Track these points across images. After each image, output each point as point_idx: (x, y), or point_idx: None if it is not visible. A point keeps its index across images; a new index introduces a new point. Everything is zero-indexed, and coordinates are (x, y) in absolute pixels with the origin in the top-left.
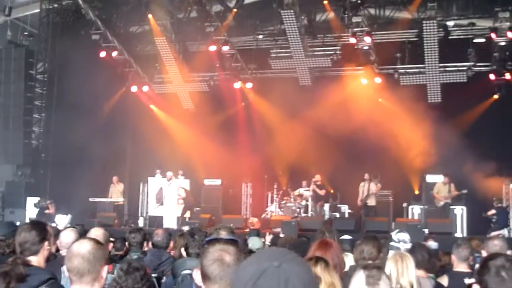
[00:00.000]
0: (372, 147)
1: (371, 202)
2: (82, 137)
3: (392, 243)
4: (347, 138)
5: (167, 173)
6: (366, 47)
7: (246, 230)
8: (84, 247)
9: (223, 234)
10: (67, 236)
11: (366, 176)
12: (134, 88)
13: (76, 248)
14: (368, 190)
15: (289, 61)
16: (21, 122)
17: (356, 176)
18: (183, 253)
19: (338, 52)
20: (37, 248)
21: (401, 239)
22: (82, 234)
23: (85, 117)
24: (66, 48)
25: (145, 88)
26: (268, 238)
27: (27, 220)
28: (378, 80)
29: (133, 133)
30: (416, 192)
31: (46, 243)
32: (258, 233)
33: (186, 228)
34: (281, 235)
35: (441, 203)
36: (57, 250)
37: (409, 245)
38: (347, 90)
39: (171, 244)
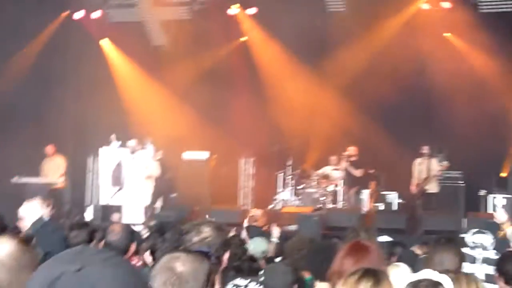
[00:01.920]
0: (433, 108)
1: (432, 188)
2: (0, 89)
3: (465, 250)
4: (395, 93)
5: (129, 142)
6: None
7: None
8: (3, 249)
9: (206, 233)
10: None
11: (426, 149)
12: (78, 14)
13: None
14: (428, 170)
15: None
16: None
17: (409, 150)
18: (148, 259)
19: None
20: None
21: (478, 244)
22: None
23: (4, 58)
24: None
25: (96, 15)
26: (275, 232)
27: None
28: (447, 4)
29: (76, 83)
30: (504, 174)
31: None
32: (263, 232)
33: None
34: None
35: None
36: None
37: (491, 253)
38: (396, 19)
39: (133, 246)
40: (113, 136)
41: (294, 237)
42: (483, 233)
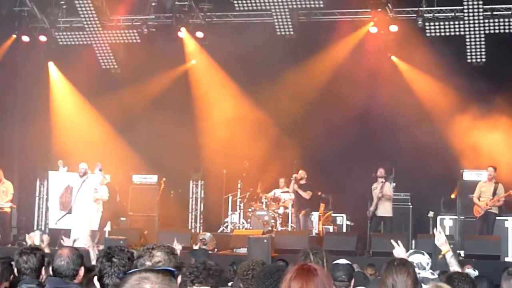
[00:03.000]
0: (381, 130)
1: (384, 211)
2: None
3: None
4: (344, 116)
5: (79, 165)
6: None
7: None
8: None
9: (159, 257)
10: None
11: (381, 172)
12: (26, 38)
13: None
14: (382, 192)
15: None
16: None
17: (359, 172)
18: (96, 284)
19: None
20: None
21: (415, 264)
22: None
23: None
24: None
25: (43, 38)
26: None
27: None
28: (394, 28)
29: (24, 107)
30: (452, 195)
31: None
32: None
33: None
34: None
35: (483, 212)
36: None
37: (427, 273)
38: (346, 43)
39: (81, 271)
40: (60, 162)
41: (246, 260)
42: (420, 253)
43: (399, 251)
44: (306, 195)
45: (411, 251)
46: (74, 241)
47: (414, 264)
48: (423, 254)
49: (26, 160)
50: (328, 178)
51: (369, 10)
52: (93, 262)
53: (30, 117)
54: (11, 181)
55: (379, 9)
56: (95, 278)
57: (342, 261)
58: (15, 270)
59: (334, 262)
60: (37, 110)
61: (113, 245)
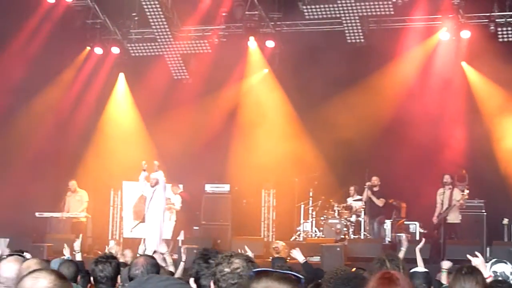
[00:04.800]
0: (454, 136)
1: (454, 217)
2: (26, 123)
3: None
4: (416, 122)
5: (151, 175)
6: None
7: (269, 259)
8: (41, 284)
9: (237, 264)
10: (8, 269)
11: (447, 178)
12: (99, 50)
13: (28, 285)
14: (450, 199)
15: (330, 6)
16: None
17: (430, 179)
18: (193, 286)
19: None
20: None
21: (498, 273)
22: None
23: (27, 93)
24: None
25: (116, 50)
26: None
27: None
28: (466, 34)
29: (98, 117)
30: None
31: None
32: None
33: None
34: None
35: None
36: None
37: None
38: (416, 50)
39: None
40: (144, 163)
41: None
42: (503, 262)
43: (477, 262)
44: (380, 202)
45: (493, 260)
46: (154, 252)
47: (498, 274)
48: (506, 263)
49: (100, 170)
50: (400, 186)
51: (440, 16)
52: (170, 268)
53: (104, 128)
54: (86, 191)
55: (450, 15)
56: (192, 280)
57: (420, 268)
58: (92, 279)
59: (412, 270)
60: (111, 121)
61: (207, 247)
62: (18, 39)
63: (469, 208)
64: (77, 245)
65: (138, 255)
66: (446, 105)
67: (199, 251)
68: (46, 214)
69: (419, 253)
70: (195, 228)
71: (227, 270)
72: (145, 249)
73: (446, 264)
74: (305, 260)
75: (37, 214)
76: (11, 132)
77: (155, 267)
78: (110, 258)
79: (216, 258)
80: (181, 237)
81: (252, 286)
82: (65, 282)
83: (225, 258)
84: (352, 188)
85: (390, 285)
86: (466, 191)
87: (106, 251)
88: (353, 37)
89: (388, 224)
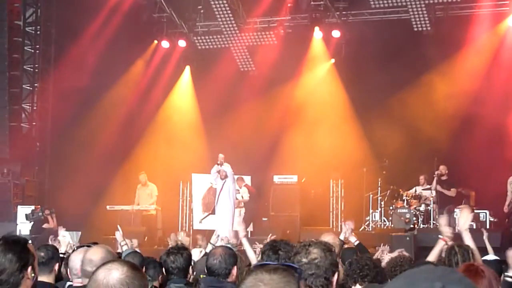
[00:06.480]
0: None
1: None
2: (94, 119)
3: None
4: (486, 109)
5: (222, 166)
6: None
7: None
8: (115, 276)
9: (315, 254)
10: (78, 261)
11: None
12: (166, 43)
13: (102, 277)
14: None
15: None
16: (5, 96)
17: (501, 166)
18: None
19: None
20: (17, 280)
21: None
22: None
23: (98, 88)
24: None
25: (182, 43)
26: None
27: None
28: None
29: (166, 112)
30: None
31: (29, 270)
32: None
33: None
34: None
35: None
36: (59, 279)
37: None
38: (486, 38)
39: (234, 270)
40: (221, 156)
41: (395, 256)
42: None
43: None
44: (451, 193)
45: None
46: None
47: None
48: None
49: (169, 163)
50: (469, 174)
51: (508, 1)
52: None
53: (173, 121)
54: (156, 184)
55: None
56: None
57: (491, 257)
58: (164, 270)
59: (483, 259)
60: (177, 114)
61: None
62: (88, 35)
63: None
64: (119, 236)
65: (211, 245)
66: None
67: (268, 243)
68: (116, 207)
69: (487, 241)
70: (264, 219)
71: (304, 260)
72: (217, 240)
73: None
74: (358, 242)
75: (108, 207)
76: (83, 128)
77: (233, 257)
78: (181, 249)
79: (285, 248)
80: (250, 228)
81: (244, 279)
82: (139, 273)
83: (303, 248)
84: (422, 177)
85: (476, 277)
86: None
87: (169, 241)
88: (419, 25)
89: (457, 212)
